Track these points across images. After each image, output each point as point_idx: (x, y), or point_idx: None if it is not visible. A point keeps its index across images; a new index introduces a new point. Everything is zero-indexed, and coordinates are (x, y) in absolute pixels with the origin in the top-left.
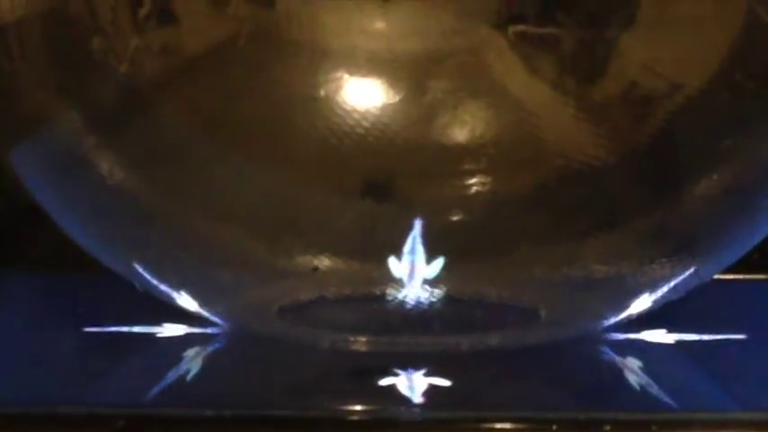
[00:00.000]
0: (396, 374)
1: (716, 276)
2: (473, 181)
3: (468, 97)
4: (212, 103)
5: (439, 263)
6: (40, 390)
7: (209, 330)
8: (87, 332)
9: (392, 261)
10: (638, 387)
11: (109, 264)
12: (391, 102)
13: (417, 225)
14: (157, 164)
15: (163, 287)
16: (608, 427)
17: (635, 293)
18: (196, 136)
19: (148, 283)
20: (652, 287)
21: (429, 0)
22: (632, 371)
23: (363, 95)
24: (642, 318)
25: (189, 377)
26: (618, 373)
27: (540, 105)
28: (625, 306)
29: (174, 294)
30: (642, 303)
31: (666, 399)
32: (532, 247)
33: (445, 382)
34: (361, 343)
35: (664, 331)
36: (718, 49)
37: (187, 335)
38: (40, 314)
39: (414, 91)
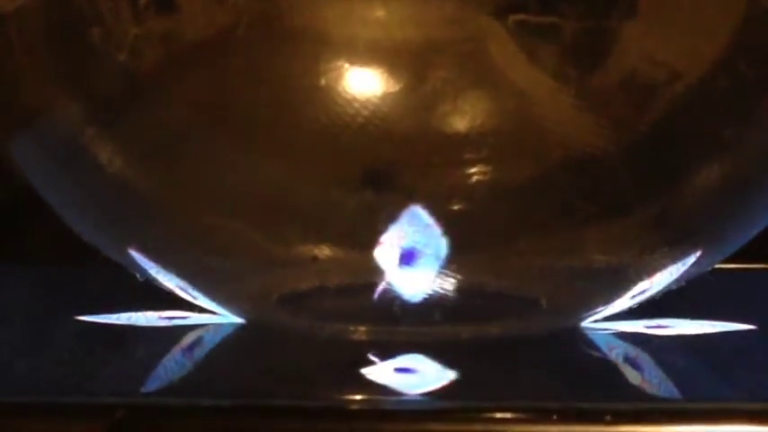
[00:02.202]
0: (395, 364)
1: (716, 265)
2: (473, 170)
3: (469, 86)
4: (212, 92)
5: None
6: (39, 380)
7: (208, 320)
8: (86, 322)
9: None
10: (638, 377)
11: (108, 253)
12: (392, 91)
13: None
14: (157, 153)
15: (162, 276)
16: (609, 417)
17: (635, 283)
18: (196, 125)
19: (147, 272)
20: (653, 276)
21: None
22: (633, 360)
23: (364, 84)
24: (642, 306)
25: (188, 367)
26: (618, 363)
27: (540, 94)
28: (626, 295)
29: (174, 283)
30: (643, 293)
31: (667, 388)
32: (533, 236)
33: (445, 372)
34: (361, 332)
35: (664, 320)
36: (718, 38)
37: (186, 325)
38: (39, 305)
39: (414, 80)
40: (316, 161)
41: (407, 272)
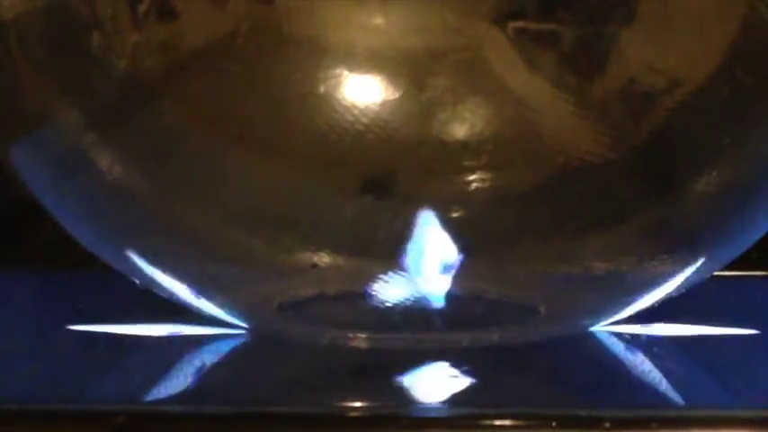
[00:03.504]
0: (395, 371)
1: (716, 273)
2: (473, 177)
3: (468, 94)
4: (212, 100)
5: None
6: (39, 386)
7: (208, 328)
8: (86, 329)
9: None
10: (638, 384)
11: (108, 260)
12: (391, 98)
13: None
14: (157, 160)
15: (162, 283)
16: (608, 424)
17: (635, 290)
18: (195, 132)
19: (147, 279)
20: (652, 284)
21: None
22: (632, 367)
23: (363, 92)
24: (642, 314)
25: (188, 374)
26: (618, 370)
27: (539, 102)
28: (625, 302)
29: (173, 291)
30: (642, 300)
31: (666, 395)
32: (532, 243)
33: (445, 379)
34: (360, 339)
35: (664, 327)
36: (718, 46)
37: (186, 331)
38: (38, 311)
39: (413, 87)
40: (315, 168)
41: (407, 277)
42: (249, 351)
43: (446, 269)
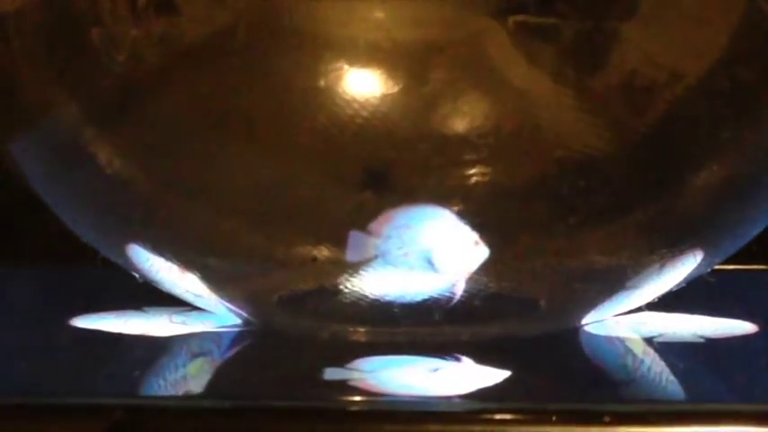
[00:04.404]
0: (395, 365)
1: (716, 266)
2: (473, 171)
3: (469, 87)
4: (212, 94)
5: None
6: (38, 381)
7: (207, 322)
8: (85, 324)
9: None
10: (637, 378)
11: (108, 254)
12: (391, 92)
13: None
14: (156, 154)
15: (162, 277)
16: (607, 418)
17: (635, 284)
18: (195, 126)
19: (147, 273)
20: (652, 277)
21: None
22: (632, 362)
23: (363, 85)
24: (642, 308)
25: (187, 368)
26: (617, 364)
27: (540, 95)
28: (625, 296)
29: (173, 284)
30: (642, 294)
31: (666, 390)
32: (532, 237)
33: (445, 373)
34: (360, 333)
35: (664, 321)
36: (718, 39)
37: (185, 326)
38: (38, 306)
39: (414, 81)
40: (315, 162)
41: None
42: (249, 345)
43: (446, 263)
